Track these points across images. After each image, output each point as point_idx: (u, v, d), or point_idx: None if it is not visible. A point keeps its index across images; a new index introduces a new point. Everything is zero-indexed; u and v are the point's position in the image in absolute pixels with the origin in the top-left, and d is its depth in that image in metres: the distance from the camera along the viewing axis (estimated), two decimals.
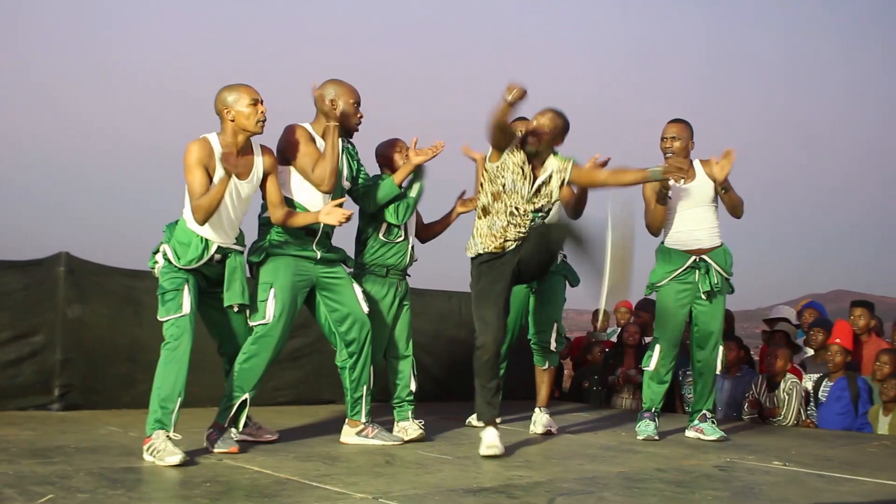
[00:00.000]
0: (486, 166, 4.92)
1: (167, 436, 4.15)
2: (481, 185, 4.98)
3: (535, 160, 4.92)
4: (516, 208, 4.84)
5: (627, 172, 4.93)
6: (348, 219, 4.64)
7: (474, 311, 4.91)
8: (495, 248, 4.82)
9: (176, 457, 4.02)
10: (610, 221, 4.75)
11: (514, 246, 4.83)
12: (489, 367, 4.74)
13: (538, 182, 4.89)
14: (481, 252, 4.87)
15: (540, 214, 4.93)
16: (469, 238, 5.00)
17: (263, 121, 4.44)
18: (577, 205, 5.44)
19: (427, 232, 5.63)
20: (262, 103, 4.44)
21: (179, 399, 4.25)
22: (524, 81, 4.52)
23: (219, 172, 4.34)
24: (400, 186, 5.11)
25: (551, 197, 4.95)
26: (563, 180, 4.96)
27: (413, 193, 5.25)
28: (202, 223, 4.33)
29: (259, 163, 4.56)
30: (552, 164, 4.95)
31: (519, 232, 4.83)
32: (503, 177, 4.84)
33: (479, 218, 4.95)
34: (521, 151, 4.88)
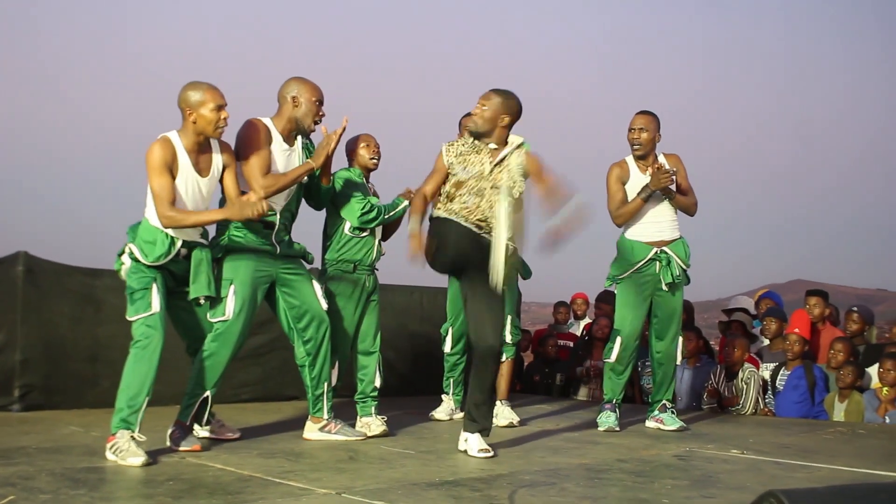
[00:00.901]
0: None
1: (131, 436, 4.14)
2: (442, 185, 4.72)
3: (485, 140, 4.66)
4: (480, 189, 4.55)
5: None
6: (264, 213, 4.49)
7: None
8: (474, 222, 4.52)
9: (138, 458, 4.01)
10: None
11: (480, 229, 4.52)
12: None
13: (496, 160, 4.61)
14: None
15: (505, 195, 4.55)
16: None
17: (224, 127, 4.45)
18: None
19: (385, 229, 5.60)
20: (224, 108, 4.43)
21: (147, 398, 4.25)
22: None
23: (182, 171, 4.37)
24: (325, 175, 5.06)
25: (512, 177, 4.60)
26: (522, 163, 4.64)
27: (394, 209, 5.31)
28: (167, 227, 4.36)
29: (218, 159, 4.57)
30: (511, 144, 4.68)
31: (485, 214, 4.51)
32: (457, 169, 4.63)
33: (445, 204, 4.62)
34: (465, 138, 4.75)
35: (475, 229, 4.49)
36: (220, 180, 4.62)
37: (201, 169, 4.45)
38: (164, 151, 4.34)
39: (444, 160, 4.68)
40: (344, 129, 4.88)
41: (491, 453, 4.46)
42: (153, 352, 4.27)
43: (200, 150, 4.47)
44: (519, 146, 4.66)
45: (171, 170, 4.36)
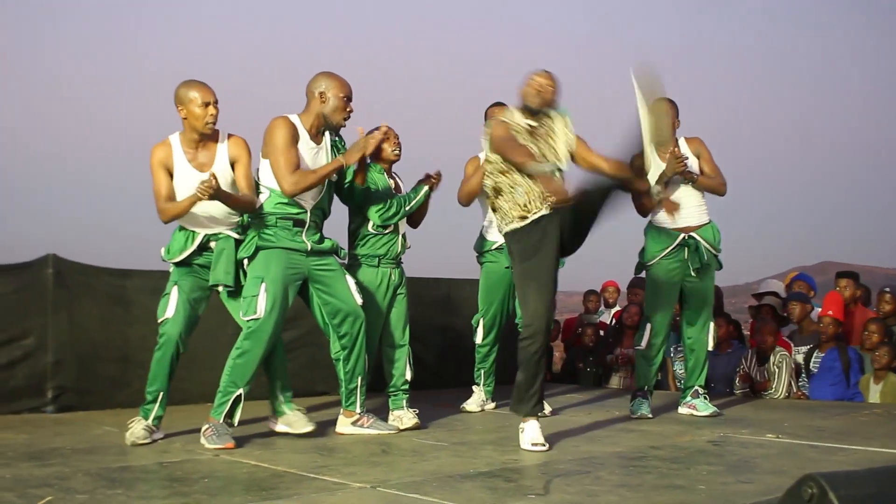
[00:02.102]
0: (489, 159, 4.61)
1: (145, 425, 4.59)
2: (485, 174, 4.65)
3: (536, 118, 4.61)
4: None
5: (626, 169, 4.56)
6: (213, 189, 4.37)
7: (518, 296, 4.67)
8: (522, 215, 4.46)
9: (135, 439, 4.50)
10: (636, 86, 4.34)
11: (543, 212, 4.44)
12: (536, 359, 4.45)
13: (544, 136, 4.58)
14: (513, 228, 4.51)
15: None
16: (495, 222, 4.76)
17: (212, 122, 4.57)
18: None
19: (411, 219, 5.58)
20: (214, 104, 4.56)
21: (160, 393, 4.62)
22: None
23: (178, 170, 4.57)
24: (361, 173, 5.10)
25: (557, 151, 4.57)
26: (571, 140, 4.64)
27: (415, 198, 5.29)
28: (165, 223, 4.61)
29: (223, 155, 4.66)
30: (557, 120, 4.66)
31: (544, 194, 4.40)
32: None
33: (496, 199, 4.57)
34: (520, 114, 4.62)
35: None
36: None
37: (200, 164, 4.58)
38: (160, 152, 4.60)
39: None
40: (385, 133, 4.94)
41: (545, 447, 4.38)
42: (162, 355, 4.61)
43: (200, 147, 4.62)
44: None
45: (168, 168, 4.58)
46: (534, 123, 4.59)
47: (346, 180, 5.14)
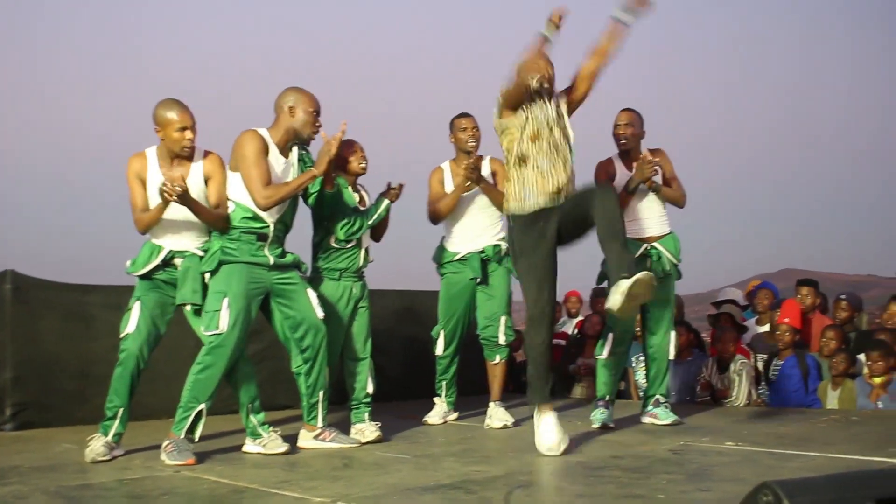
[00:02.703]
0: (504, 122, 4.73)
1: (105, 441, 4.54)
2: (505, 142, 4.76)
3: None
4: (556, 143, 4.67)
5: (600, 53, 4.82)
6: (177, 190, 4.38)
7: (522, 288, 4.80)
8: (550, 193, 4.60)
9: (94, 456, 4.49)
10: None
11: (559, 198, 4.61)
12: (542, 349, 4.66)
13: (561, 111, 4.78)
14: (528, 210, 4.64)
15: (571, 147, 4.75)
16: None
17: (188, 147, 4.60)
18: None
19: (374, 232, 5.57)
20: (192, 128, 4.58)
21: (120, 409, 4.59)
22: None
23: (151, 182, 4.57)
24: (326, 184, 5.09)
25: (568, 127, 4.78)
26: (569, 102, 4.85)
27: (376, 212, 5.28)
28: (142, 233, 4.64)
29: (198, 170, 4.68)
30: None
31: (566, 173, 4.65)
32: (533, 117, 4.66)
33: (520, 167, 4.68)
34: (536, 97, 4.72)
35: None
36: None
37: (174, 179, 4.53)
38: (136, 164, 4.62)
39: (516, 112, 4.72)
40: (343, 133, 4.88)
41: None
42: (124, 370, 4.59)
43: (176, 162, 4.63)
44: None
45: (143, 180, 4.60)
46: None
47: (314, 190, 5.13)
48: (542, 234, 4.61)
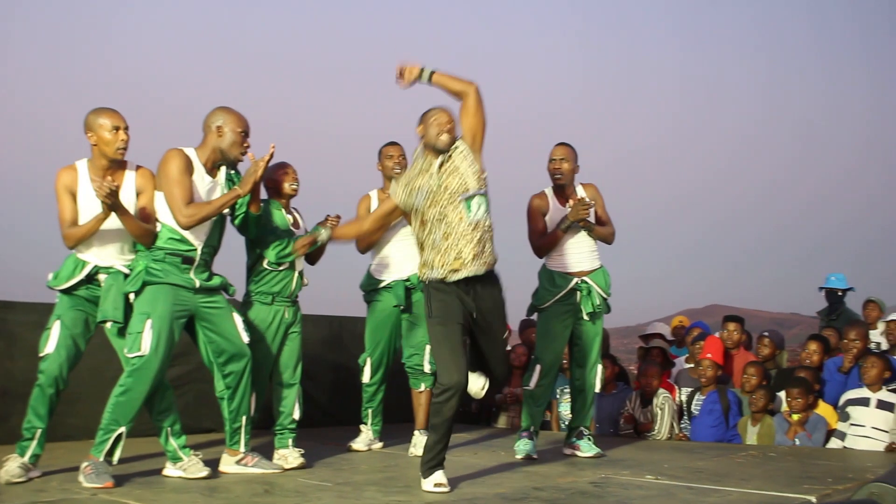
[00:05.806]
0: (389, 207, 4.73)
1: (21, 462, 4.46)
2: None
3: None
4: (442, 210, 4.51)
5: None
6: (111, 189, 4.33)
7: (433, 355, 4.72)
8: (451, 267, 4.49)
9: (9, 477, 4.38)
10: None
11: (467, 271, 4.50)
12: (449, 421, 4.41)
13: (437, 163, 4.56)
14: (432, 278, 4.56)
15: (470, 197, 4.52)
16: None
17: (123, 148, 4.56)
18: None
19: (309, 257, 5.55)
20: (125, 130, 4.54)
21: (39, 430, 4.52)
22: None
23: (82, 195, 4.53)
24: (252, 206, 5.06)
25: (460, 170, 4.53)
26: (463, 147, 4.59)
27: (318, 238, 5.24)
28: (70, 248, 4.56)
29: (130, 184, 4.64)
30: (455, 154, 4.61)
31: (468, 243, 4.48)
32: (414, 197, 4.57)
33: (421, 251, 4.64)
34: (430, 157, 4.60)
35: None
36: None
37: (106, 179, 4.48)
38: (66, 176, 4.55)
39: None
40: (272, 155, 4.84)
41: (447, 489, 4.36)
42: (42, 391, 4.52)
43: (108, 175, 4.53)
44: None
45: (73, 193, 4.54)
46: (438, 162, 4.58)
47: (240, 211, 5.09)
48: (457, 299, 4.54)
